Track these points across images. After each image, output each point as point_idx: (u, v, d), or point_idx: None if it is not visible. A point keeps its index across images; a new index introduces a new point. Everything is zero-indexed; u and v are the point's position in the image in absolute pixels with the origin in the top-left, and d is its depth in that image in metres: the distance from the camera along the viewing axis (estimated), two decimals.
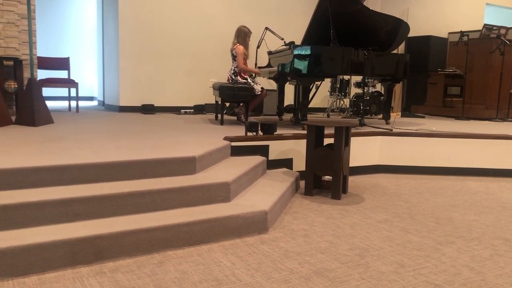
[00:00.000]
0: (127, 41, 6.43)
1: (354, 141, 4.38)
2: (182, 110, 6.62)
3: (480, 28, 7.76)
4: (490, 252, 2.45)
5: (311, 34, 5.14)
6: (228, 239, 2.53)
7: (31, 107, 4.23)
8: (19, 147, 3.02)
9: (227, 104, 6.02)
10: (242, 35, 5.17)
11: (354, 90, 7.26)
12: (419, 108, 7.97)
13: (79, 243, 2.09)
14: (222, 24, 7.00)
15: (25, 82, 4.79)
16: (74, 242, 2.08)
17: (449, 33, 8.47)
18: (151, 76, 6.66)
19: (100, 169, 2.60)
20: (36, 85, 4.31)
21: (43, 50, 8.35)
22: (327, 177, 4.07)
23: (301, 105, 4.72)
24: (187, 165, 2.91)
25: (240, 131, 4.30)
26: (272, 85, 6.76)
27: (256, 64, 5.66)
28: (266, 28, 5.60)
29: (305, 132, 4.06)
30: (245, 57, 5.16)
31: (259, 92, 5.01)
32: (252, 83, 5.03)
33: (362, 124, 5.13)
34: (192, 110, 6.70)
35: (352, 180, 4.23)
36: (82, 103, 8.10)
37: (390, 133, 4.64)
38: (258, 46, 5.63)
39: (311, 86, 5.00)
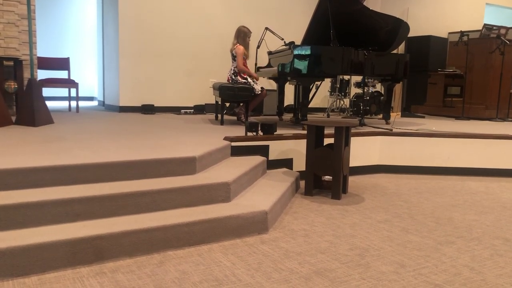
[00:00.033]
0: (127, 41, 6.43)
1: (354, 141, 4.38)
2: (182, 110, 6.62)
3: (480, 28, 7.76)
4: (490, 252, 2.45)
5: (311, 34, 5.14)
6: (228, 239, 2.53)
7: (31, 107, 4.23)
8: (19, 147, 3.02)
9: (227, 104, 6.02)
10: (242, 35, 5.17)
11: (354, 90, 7.27)
12: (419, 108, 7.97)
13: (79, 243, 2.09)
14: (222, 24, 7.00)
15: (25, 82, 4.79)
16: (74, 242, 2.08)
17: (449, 33, 8.47)
18: (151, 76, 6.66)
19: (100, 169, 2.60)
20: (36, 85, 4.31)
21: (43, 50, 8.35)
22: (327, 177, 4.07)
23: (301, 105, 4.72)
24: (187, 165, 2.91)
25: (240, 131, 4.29)
26: (272, 85, 6.76)
27: (256, 64, 5.65)
28: (266, 28, 5.60)
29: (305, 132, 4.06)
30: (245, 57, 5.15)
31: (259, 92, 5.00)
32: (252, 83, 5.03)
33: (362, 124, 5.13)
34: (192, 110, 6.70)
35: (352, 180, 4.23)
36: (82, 103, 8.10)
37: (390, 133, 4.64)
38: (258, 46, 5.62)
39: (311, 86, 5.00)
